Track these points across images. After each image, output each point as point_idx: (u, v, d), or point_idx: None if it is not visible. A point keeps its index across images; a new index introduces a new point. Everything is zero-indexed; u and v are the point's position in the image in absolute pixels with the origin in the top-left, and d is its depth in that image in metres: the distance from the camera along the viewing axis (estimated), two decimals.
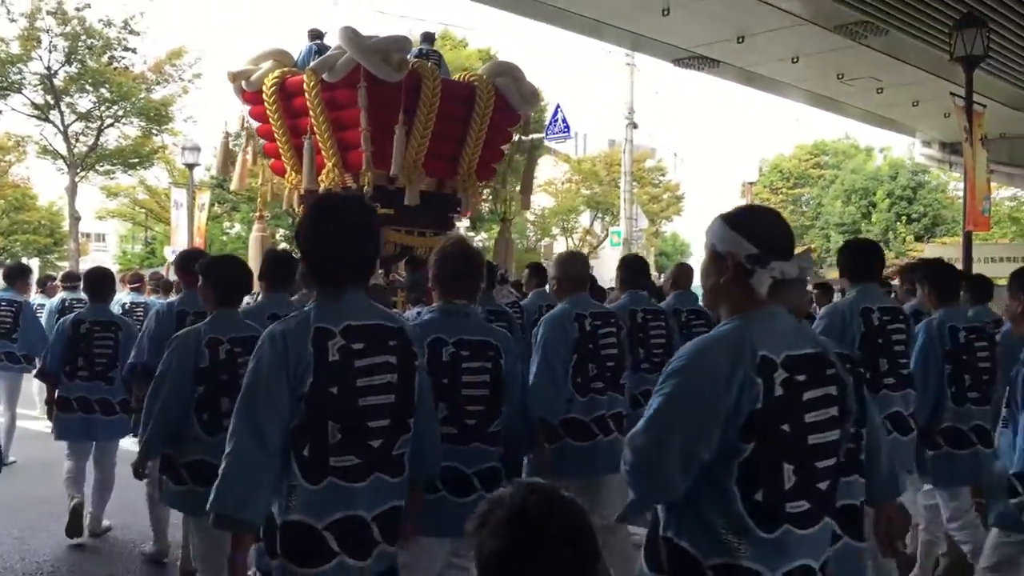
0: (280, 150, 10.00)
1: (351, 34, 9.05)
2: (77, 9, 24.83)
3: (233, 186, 11.14)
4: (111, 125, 27.54)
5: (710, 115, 73.97)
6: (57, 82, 25.59)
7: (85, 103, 26.71)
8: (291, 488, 2.48)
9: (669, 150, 34.44)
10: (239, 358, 3.70)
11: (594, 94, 64.28)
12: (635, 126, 25.14)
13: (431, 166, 9.57)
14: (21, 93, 25.53)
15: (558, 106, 25.41)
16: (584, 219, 38.45)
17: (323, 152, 9.46)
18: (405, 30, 30.30)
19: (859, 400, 2.82)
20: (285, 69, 9.73)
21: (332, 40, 9.78)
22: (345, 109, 9.25)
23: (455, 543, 3.26)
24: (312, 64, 9.37)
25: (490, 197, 33.87)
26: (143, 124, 28.11)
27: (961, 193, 13.55)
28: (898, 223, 38.85)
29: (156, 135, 29.10)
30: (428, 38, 10.90)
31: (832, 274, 36.08)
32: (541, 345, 4.21)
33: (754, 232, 2.20)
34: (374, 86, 8.90)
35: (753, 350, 2.08)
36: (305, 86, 9.30)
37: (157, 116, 27.72)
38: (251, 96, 10.00)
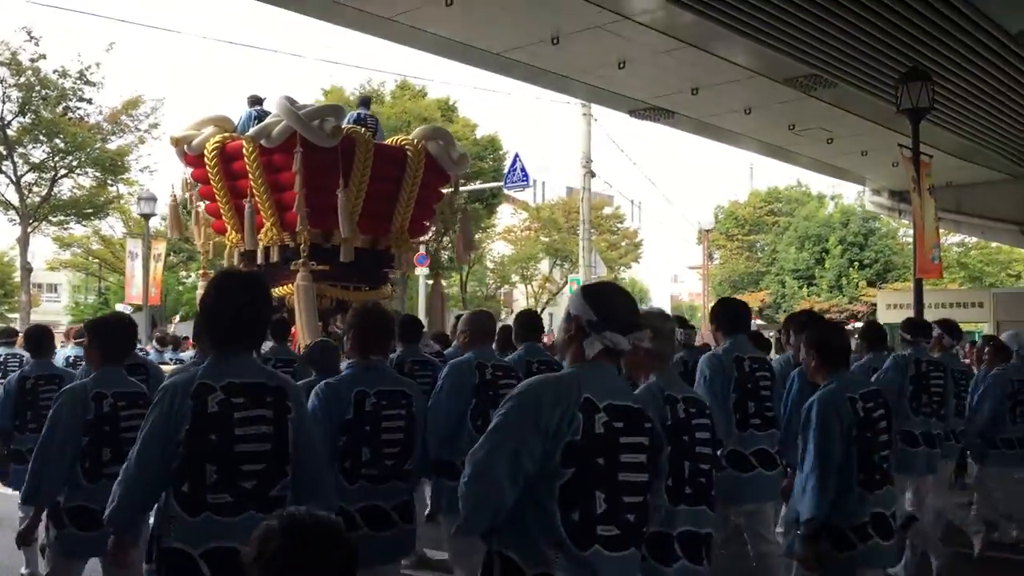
0: (221, 210, 10.46)
1: (287, 104, 9.71)
2: (32, 60, 24.63)
3: (198, 241, 11.47)
4: (65, 175, 27.19)
5: (668, 163, 75.07)
6: (10, 132, 25.26)
7: (39, 153, 26.39)
8: (171, 519, 2.88)
9: (627, 198, 34.85)
10: (122, 411, 4.05)
11: (552, 142, 65.02)
12: (593, 175, 25.39)
13: (365, 225, 10.08)
14: None
15: (516, 155, 25.63)
16: (543, 266, 38.66)
17: (262, 213, 9.94)
18: (364, 80, 30.50)
19: (713, 443, 3.44)
20: (225, 134, 10.24)
21: (271, 105, 10.30)
22: (282, 172, 9.76)
23: (372, 571, 3.59)
24: (250, 131, 9.91)
25: (449, 246, 33.49)
26: (98, 174, 27.78)
27: (911, 239, 13.86)
28: (851, 269, 39.56)
29: (111, 185, 28.78)
30: (364, 102, 11.57)
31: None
32: (442, 389, 4.62)
33: (600, 304, 2.67)
34: (309, 151, 9.47)
35: (579, 391, 2.55)
36: (244, 151, 9.81)
37: (112, 166, 27.40)
38: (192, 159, 10.49)
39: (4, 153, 25.43)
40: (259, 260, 10.10)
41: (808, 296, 40.20)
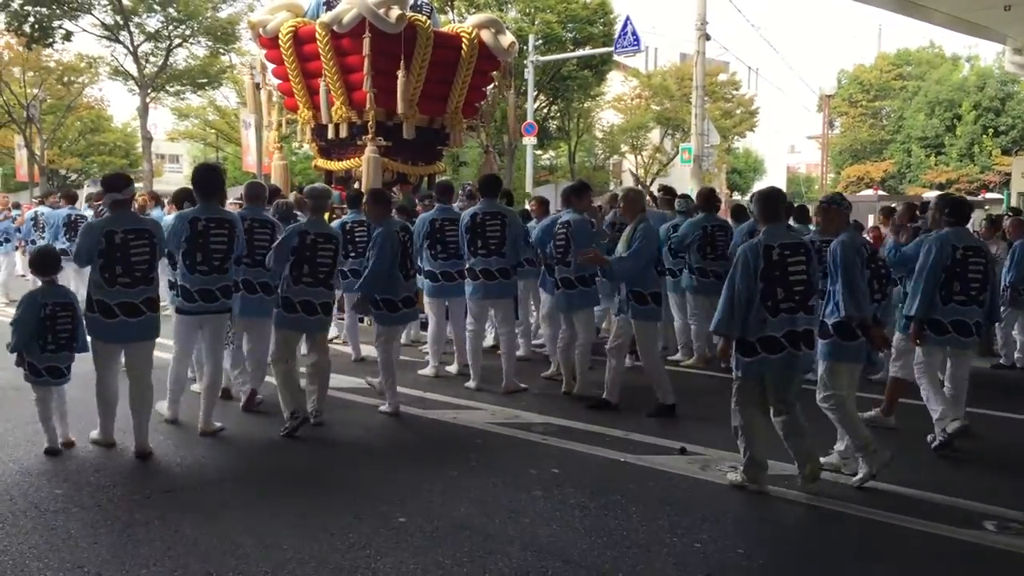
0: (293, 89, 11.51)
1: None
2: None
3: (265, 121, 12.63)
4: (179, 45, 27.65)
5: (789, 26, 71.18)
6: (126, 2, 25.67)
7: (154, 23, 26.86)
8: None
9: (744, 64, 33.23)
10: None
11: (666, 5, 62.18)
12: (708, 38, 24.16)
13: (424, 106, 11.21)
14: (91, 14, 25.73)
15: (627, 18, 24.66)
16: (654, 136, 37.67)
17: (333, 92, 10.96)
18: None
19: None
20: (298, 19, 11.19)
21: None
22: (351, 55, 10.71)
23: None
24: (323, 18, 10.79)
25: (558, 115, 32.85)
26: (211, 44, 28.15)
27: None
28: (984, 136, 37.22)
29: (224, 54, 29.14)
30: None
31: (912, 190, 34.79)
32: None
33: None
34: (377, 37, 10.40)
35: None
36: (317, 36, 10.75)
37: (224, 35, 27.72)
38: (267, 42, 11.49)
39: (121, 23, 25.92)
40: (330, 135, 11.31)
41: (936, 166, 38.16)
